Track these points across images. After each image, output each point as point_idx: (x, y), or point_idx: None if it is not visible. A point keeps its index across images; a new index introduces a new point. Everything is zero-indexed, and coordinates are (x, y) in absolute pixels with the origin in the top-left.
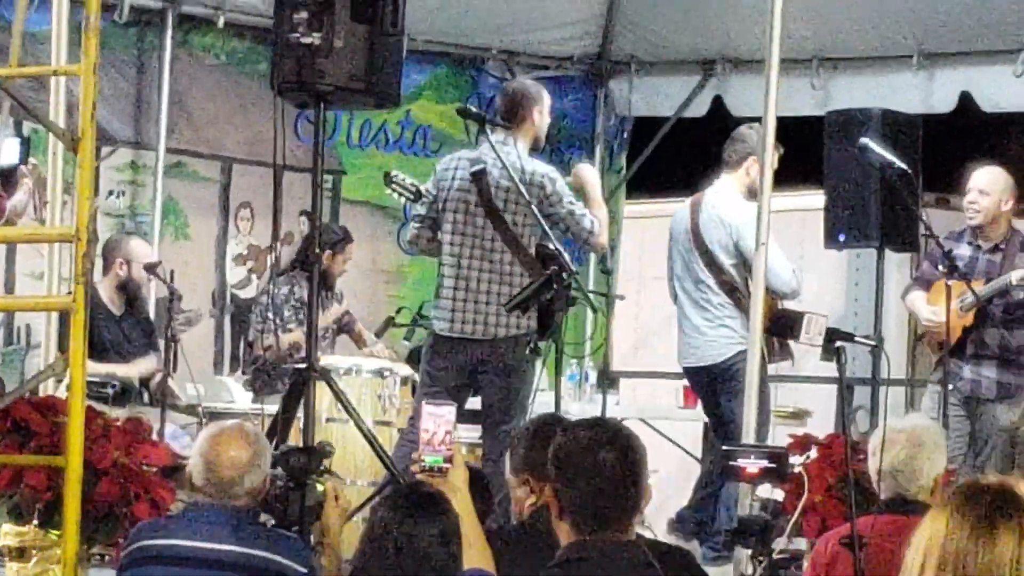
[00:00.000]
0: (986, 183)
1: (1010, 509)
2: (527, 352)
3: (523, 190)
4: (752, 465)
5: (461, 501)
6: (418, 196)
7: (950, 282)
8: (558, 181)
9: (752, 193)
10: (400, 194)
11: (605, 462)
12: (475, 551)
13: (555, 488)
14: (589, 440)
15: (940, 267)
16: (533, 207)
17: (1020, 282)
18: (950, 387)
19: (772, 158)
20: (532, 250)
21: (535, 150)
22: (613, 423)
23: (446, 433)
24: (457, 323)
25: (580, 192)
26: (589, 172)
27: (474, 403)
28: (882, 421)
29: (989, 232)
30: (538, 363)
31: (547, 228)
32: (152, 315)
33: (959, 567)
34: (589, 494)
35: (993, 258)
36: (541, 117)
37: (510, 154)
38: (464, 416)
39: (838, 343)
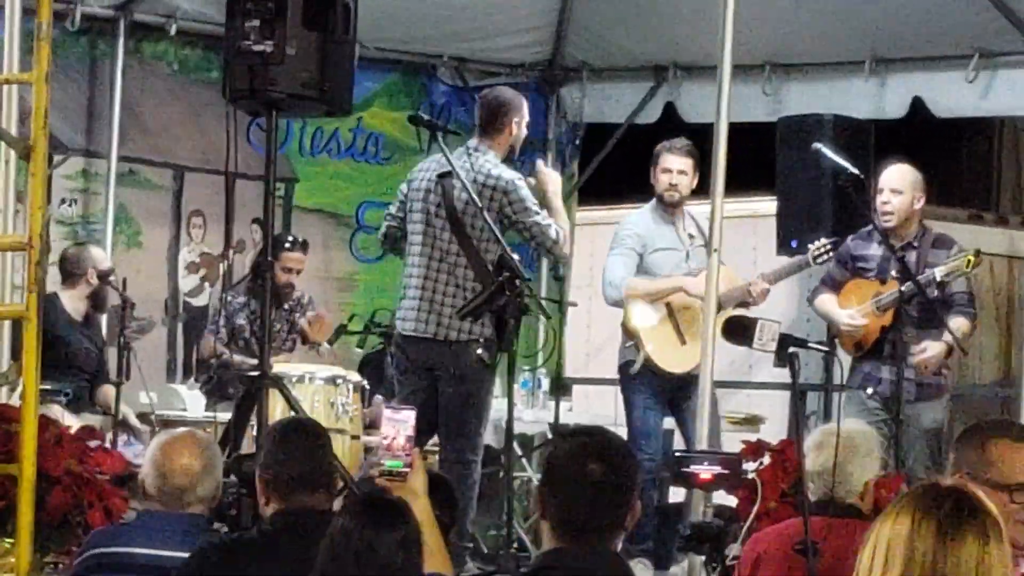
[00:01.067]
0: (898, 181)
1: (973, 511)
2: (480, 360)
3: (475, 198)
4: (705, 471)
5: (421, 507)
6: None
7: (859, 280)
8: (523, 189)
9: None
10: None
11: (592, 473)
12: (436, 558)
13: (542, 492)
14: (579, 449)
15: (847, 268)
16: (486, 214)
17: (946, 277)
18: (869, 391)
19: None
20: (491, 257)
21: (508, 160)
22: (610, 436)
23: (406, 438)
24: (419, 323)
25: (541, 193)
26: (552, 178)
27: None
28: (836, 427)
29: (901, 231)
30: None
31: (499, 235)
32: (104, 324)
33: (925, 567)
34: (570, 502)
35: (908, 256)
36: (519, 128)
37: (480, 161)
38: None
39: (791, 349)
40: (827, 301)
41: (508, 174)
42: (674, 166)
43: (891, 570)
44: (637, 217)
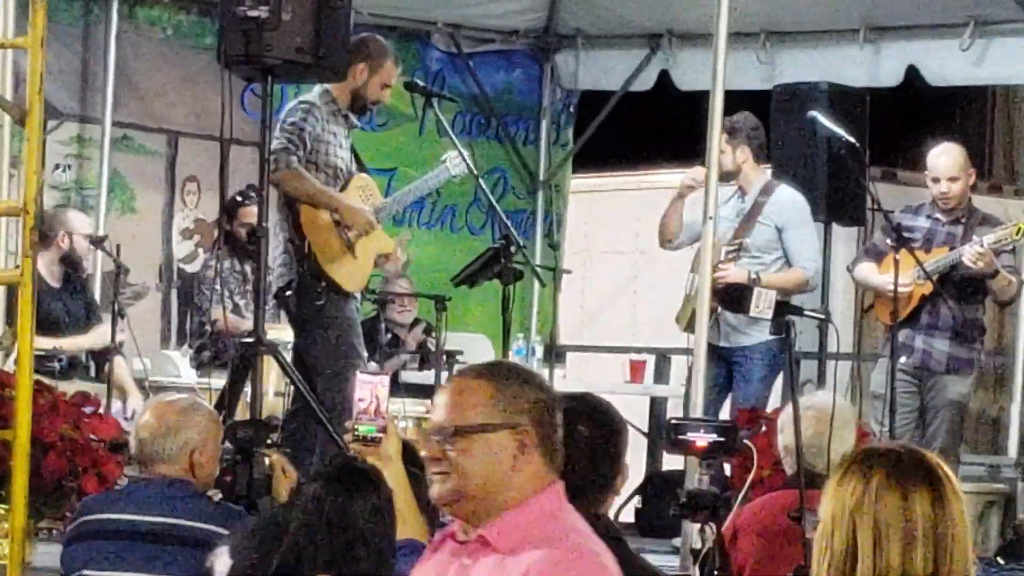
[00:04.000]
0: (953, 168)
1: (918, 470)
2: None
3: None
4: (701, 439)
5: (395, 472)
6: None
7: (898, 255)
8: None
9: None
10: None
11: (580, 435)
12: (409, 524)
13: None
14: (567, 412)
15: (888, 240)
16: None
17: (972, 259)
18: (902, 360)
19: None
20: None
21: (359, 110)
22: (595, 399)
23: (380, 402)
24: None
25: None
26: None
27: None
28: (832, 395)
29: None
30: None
31: (494, 202)
32: (98, 290)
33: (878, 527)
34: (566, 467)
35: (954, 230)
36: (365, 79)
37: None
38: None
39: (787, 316)
40: (866, 269)
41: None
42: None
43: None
44: None
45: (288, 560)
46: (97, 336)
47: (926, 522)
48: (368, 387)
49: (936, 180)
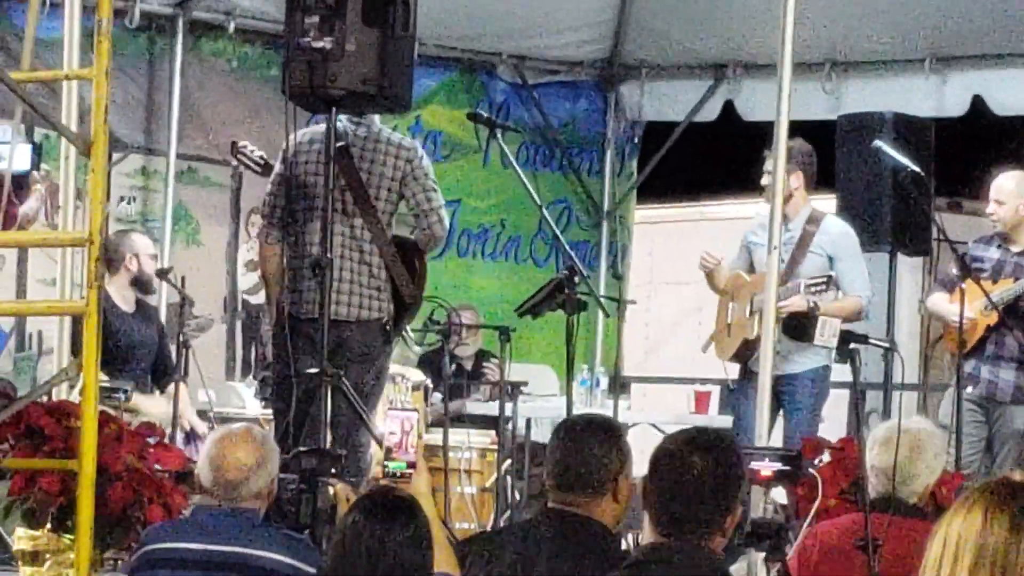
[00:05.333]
0: (998, 192)
1: None
2: (381, 338)
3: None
4: (766, 468)
5: (425, 506)
6: (266, 171)
7: (963, 284)
8: (424, 157)
9: None
10: (248, 166)
11: (693, 466)
12: (442, 555)
13: (645, 483)
14: (684, 441)
15: (953, 268)
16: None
17: None
18: (968, 390)
19: None
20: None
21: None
22: (719, 433)
23: (410, 438)
24: (308, 304)
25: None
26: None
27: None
28: (896, 424)
29: (1014, 235)
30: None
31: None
32: (164, 321)
33: (996, 563)
34: (670, 494)
35: (1022, 261)
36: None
37: (372, 126)
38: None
39: (852, 345)
40: (938, 300)
41: (409, 141)
42: (765, 167)
43: (960, 565)
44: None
45: None
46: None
47: None
48: (398, 422)
49: (989, 200)
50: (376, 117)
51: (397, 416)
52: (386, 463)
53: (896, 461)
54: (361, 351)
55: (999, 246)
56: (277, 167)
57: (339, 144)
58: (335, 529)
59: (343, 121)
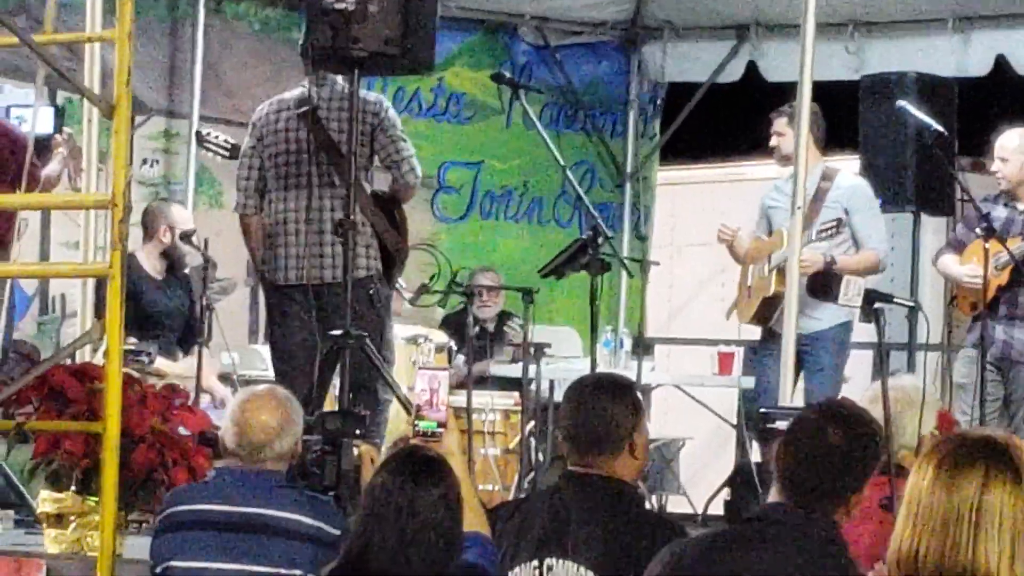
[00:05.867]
0: (1002, 149)
1: (978, 456)
2: (371, 295)
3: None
4: None
5: (457, 464)
6: (234, 153)
7: (987, 244)
8: (391, 109)
9: None
10: (215, 152)
11: (829, 437)
12: (472, 515)
13: (779, 448)
14: (825, 413)
15: (977, 230)
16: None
17: None
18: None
19: None
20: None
21: None
22: (860, 411)
23: (440, 397)
24: (293, 270)
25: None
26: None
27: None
28: (922, 384)
29: (1019, 193)
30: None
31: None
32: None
33: (924, 515)
34: (801, 461)
35: None
36: None
37: (339, 87)
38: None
39: (877, 304)
40: (948, 261)
41: (373, 95)
42: (775, 130)
43: (906, 527)
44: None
45: (355, 549)
46: (189, 365)
47: (964, 509)
48: (428, 380)
49: (995, 158)
50: (338, 76)
51: (427, 374)
52: (416, 422)
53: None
54: (353, 311)
55: (1006, 204)
56: (248, 140)
57: (304, 108)
58: (364, 489)
59: (305, 84)
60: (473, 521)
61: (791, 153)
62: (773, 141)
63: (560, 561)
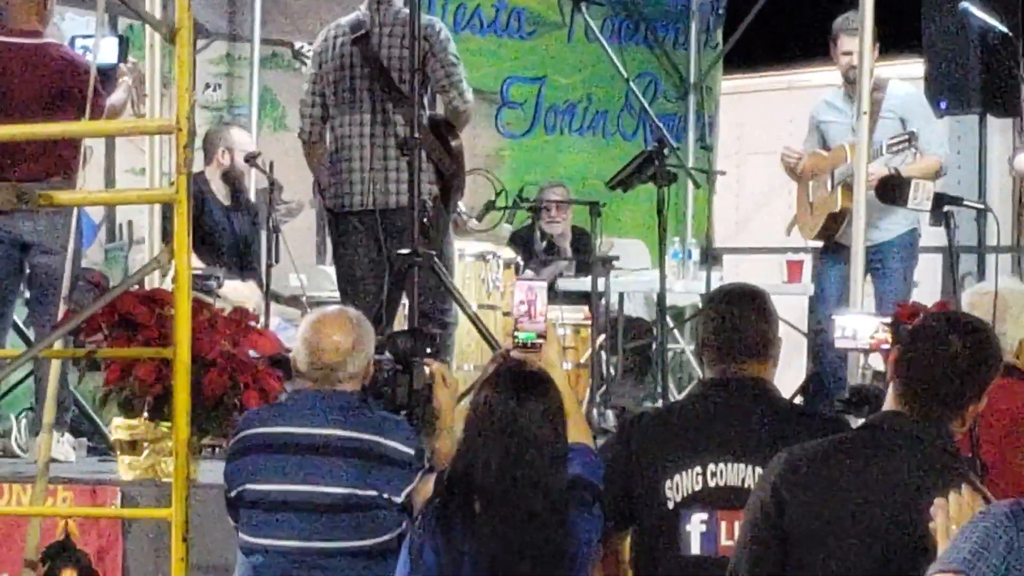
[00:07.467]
0: None
1: None
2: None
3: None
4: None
5: (558, 377)
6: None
7: None
8: (443, 31)
9: None
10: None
11: (950, 344)
12: (575, 427)
13: (898, 353)
14: (947, 321)
15: None
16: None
17: None
18: None
19: None
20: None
21: None
22: (981, 321)
23: (539, 308)
24: (357, 196)
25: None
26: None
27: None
28: (988, 287)
29: None
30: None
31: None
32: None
33: None
34: (921, 368)
35: None
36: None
37: (395, 9)
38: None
39: (946, 207)
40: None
41: (427, 18)
42: (841, 50)
43: None
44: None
45: (460, 467)
46: (250, 292)
47: None
48: (525, 292)
49: None
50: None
51: (524, 285)
52: (516, 333)
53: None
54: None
55: None
56: (310, 67)
57: (358, 33)
58: (473, 403)
59: (364, 7)
60: (575, 432)
61: (850, 65)
62: (842, 62)
63: (729, 464)
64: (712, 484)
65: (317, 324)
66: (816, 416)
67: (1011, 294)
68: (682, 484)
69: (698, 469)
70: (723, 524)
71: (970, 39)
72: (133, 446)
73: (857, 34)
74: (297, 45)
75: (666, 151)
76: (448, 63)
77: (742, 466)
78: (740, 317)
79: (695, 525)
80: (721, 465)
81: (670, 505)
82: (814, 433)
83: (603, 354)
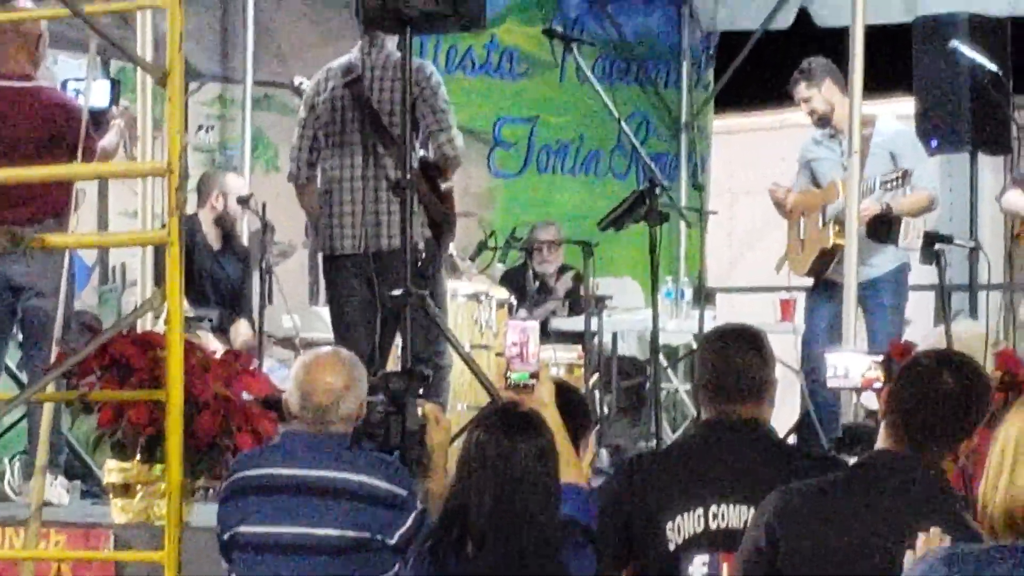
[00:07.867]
0: None
1: None
2: (422, 266)
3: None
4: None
5: (550, 416)
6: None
7: None
8: (435, 76)
9: None
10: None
11: (944, 383)
12: (567, 466)
13: (891, 391)
14: (940, 359)
15: None
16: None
17: None
18: None
19: None
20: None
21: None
22: (972, 360)
23: (531, 348)
24: (349, 239)
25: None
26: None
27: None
28: (984, 324)
29: None
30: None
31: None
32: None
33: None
34: (914, 406)
35: None
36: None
37: (386, 52)
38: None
39: (937, 245)
40: (1013, 196)
41: (418, 61)
42: (799, 97)
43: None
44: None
45: (453, 507)
46: (240, 337)
47: None
48: (518, 332)
49: None
50: (389, 40)
51: (517, 326)
52: (508, 374)
53: None
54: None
55: None
56: (301, 111)
57: (349, 77)
58: (466, 443)
59: (356, 50)
60: (568, 472)
61: (826, 111)
62: (804, 109)
63: (731, 506)
64: (714, 526)
65: (309, 365)
66: (814, 456)
67: (969, 337)
68: (684, 526)
69: (700, 511)
70: (725, 566)
71: (960, 77)
72: (126, 489)
73: (806, 79)
74: (296, 81)
75: (658, 190)
76: (439, 109)
77: (744, 508)
78: (737, 358)
79: (697, 567)
80: (723, 507)
81: (671, 547)
82: (812, 473)
83: (597, 393)
